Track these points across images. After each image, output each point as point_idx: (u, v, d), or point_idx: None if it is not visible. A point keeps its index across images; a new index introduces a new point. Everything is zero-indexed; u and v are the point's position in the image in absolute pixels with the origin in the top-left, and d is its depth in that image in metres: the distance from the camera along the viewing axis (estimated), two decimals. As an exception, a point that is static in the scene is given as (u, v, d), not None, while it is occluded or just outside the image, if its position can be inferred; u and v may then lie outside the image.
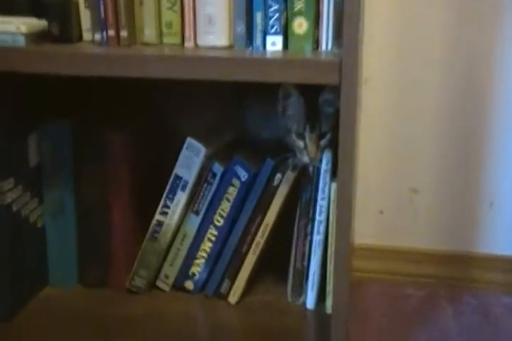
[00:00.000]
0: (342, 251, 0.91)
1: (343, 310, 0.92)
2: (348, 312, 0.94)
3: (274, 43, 0.90)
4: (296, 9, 0.88)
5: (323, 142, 0.98)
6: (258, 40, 0.90)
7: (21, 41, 0.89)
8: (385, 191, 1.25)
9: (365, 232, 1.25)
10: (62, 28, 0.94)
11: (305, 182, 1.03)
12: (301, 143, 0.99)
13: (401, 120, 1.22)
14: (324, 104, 0.97)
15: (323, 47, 0.90)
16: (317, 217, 1.02)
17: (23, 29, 0.89)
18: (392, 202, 1.25)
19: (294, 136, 0.99)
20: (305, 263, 1.05)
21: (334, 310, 0.92)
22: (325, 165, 0.99)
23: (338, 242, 0.91)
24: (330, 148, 0.98)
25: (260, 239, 1.05)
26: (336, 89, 0.84)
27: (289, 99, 0.98)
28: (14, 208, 1.02)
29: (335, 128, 0.95)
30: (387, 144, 1.23)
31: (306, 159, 0.99)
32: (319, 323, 1.04)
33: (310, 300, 1.07)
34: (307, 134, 0.98)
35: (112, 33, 0.92)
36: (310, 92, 0.95)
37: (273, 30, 0.89)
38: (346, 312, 0.92)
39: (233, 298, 1.08)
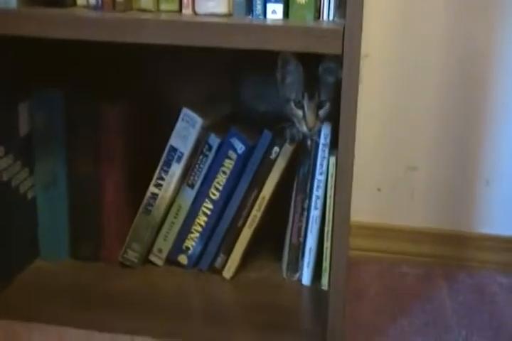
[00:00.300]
0: (341, 227, 0.89)
1: (341, 286, 0.91)
2: (346, 289, 0.93)
3: (275, 11, 0.87)
4: (298, -24, 0.85)
5: (321, 111, 0.96)
6: (258, 8, 0.87)
7: (12, 2, 0.87)
8: (383, 168, 1.23)
9: (362, 210, 1.23)
10: (56, -9, 0.92)
11: (303, 156, 1.01)
12: (299, 112, 0.96)
13: (399, 97, 1.20)
14: (325, 72, 0.94)
15: (325, 16, 0.87)
16: (314, 192, 1.00)
17: (15, -10, 0.86)
18: (389, 179, 1.24)
19: (292, 105, 0.96)
20: (301, 238, 1.03)
21: (332, 286, 0.91)
22: (323, 139, 0.97)
23: (336, 218, 0.89)
24: (329, 121, 0.96)
25: (256, 212, 1.03)
26: (337, 59, 0.81)
27: (287, 66, 0.96)
28: (4, 177, 1.00)
29: (334, 99, 0.92)
30: (386, 121, 1.21)
31: (304, 129, 0.96)
32: (315, 300, 1.03)
33: (306, 277, 1.05)
34: (306, 103, 0.95)
35: (107, -3, 0.89)
36: (309, 60, 0.93)
37: (274, -3, 0.86)
38: (345, 289, 0.91)
39: (228, 273, 1.07)
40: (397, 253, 1.24)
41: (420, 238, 1.23)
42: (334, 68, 0.92)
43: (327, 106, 0.96)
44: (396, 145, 1.22)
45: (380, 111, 1.21)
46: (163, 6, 0.91)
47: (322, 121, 0.96)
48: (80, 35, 0.86)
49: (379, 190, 1.24)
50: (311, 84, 0.95)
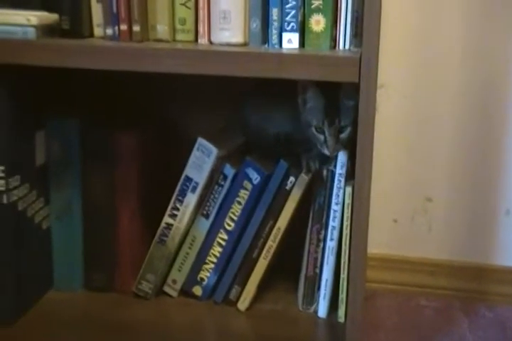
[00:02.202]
0: (358, 258, 0.88)
1: (358, 320, 0.89)
2: (363, 322, 0.91)
3: (291, 41, 0.87)
4: (313, 6, 0.86)
5: (343, 135, 0.95)
6: (274, 38, 0.87)
7: (31, 33, 0.87)
8: (400, 200, 1.22)
9: (378, 241, 1.22)
10: (73, 23, 0.93)
11: (319, 186, 1.00)
12: (321, 137, 0.95)
13: (416, 128, 1.19)
14: (345, 97, 0.94)
15: (341, 45, 0.87)
16: (330, 223, 0.98)
17: (34, 21, 0.87)
18: (406, 211, 1.22)
19: (313, 130, 0.95)
20: (317, 270, 1.02)
21: (349, 319, 0.89)
22: (339, 169, 0.96)
23: (353, 250, 0.88)
24: (345, 149, 0.95)
25: (272, 243, 1.02)
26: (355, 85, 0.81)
27: (307, 92, 0.95)
28: (20, 207, 0.99)
29: (355, 122, 0.92)
30: (402, 152, 1.20)
31: (326, 152, 0.95)
32: (331, 332, 1.01)
33: (322, 309, 1.03)
34: (326, 128, 0.94)
35: (124, 27, 0.90)
36: (329, 85, 0.93)
37: (289, 27, 0.87)
38: (362, 322, 0.89)
39: (243, 304, 1.05)
40: (414, 285, 1.22)
41: (438, 270, 1.21)
42: (354, 93, 0.92)
43: (348, 130, 0.95)
44: (413, 176, 1.21)
45: (397, 142, 1.20)
46: (179, 36, 0.92)
47: (343, 145, 0.95)
48: (97, 65, 0.87)
49: (395, 221, 1.22)
50: (332, 110, 0.94)
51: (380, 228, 1.21)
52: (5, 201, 0.96)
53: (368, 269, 1.21)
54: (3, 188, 0.95)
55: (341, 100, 0.94)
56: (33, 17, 0.87)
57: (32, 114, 1.00)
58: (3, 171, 0.95)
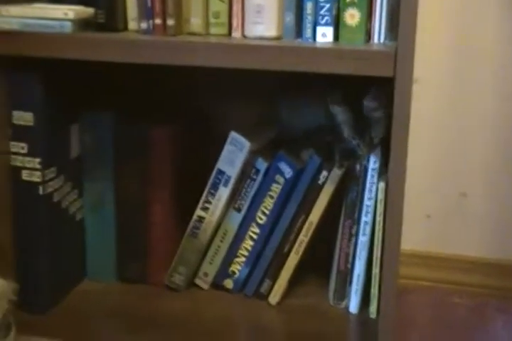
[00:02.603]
0: (391, 254, 0.87)
1: (390, 316, 0.88)
2: (395, 318, 0.90)
3: (325, 35, 0.86)
4: (348, 0, 0.85)
5: (376, 140, 0.95)
6: (308, 31, 0.87)
7: (68, 27, 0.88)
8: (433, 195, 1.20)
9: (411, 237, 1.20)
10: (109, 17, 0.93)
11: (351, 181, 0.99)
12: (354, 142, 0.95)
13: (451, 121, 1.17)
14: (369, 111, 0.93)
15: (376, 39, 0.86)
16: (363, 218, 0.98)
17: (71, 15, 0.88)
18: (440, 206, 1.21)
19: (347, 138, 0.96)
20: (349, 265, 1.01)
21: (381, 315, 0.89)
22: (373, 164, 0.95)
23: (386, 245, 0.87)
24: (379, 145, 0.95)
25: (304, 237, 1.02)
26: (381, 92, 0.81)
27: (334, 108, 0.95)
28: (55, 198, 1.01)
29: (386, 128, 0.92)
30: (437, 146, 1.19)
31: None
32: (363, 328, 1.00)
33: (353, 304, 1.03)
34: (358, 141, 0.95)
35: (158, 21, 0.90)
36: (355, 101, 0.93)
37: (324, 21, 0.86)
38: (394, 318, 0.88)
39: (274, 298, 1.05)
40: (447, 282, 1.20)
41: (473, 268, 1.19)
42: (377, 106, 0.92)
43: (376, 140, 0.95)
44: (447, 170, 1.19)
45: (431, 137, 1.19)
46: (213, 30, 0.92)
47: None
48: (132, 59, 0.87)
49: (428, 216, 1.21)
50: (360, 124, 0.95)
51: (412, 224, 1.19)
52: (41, 192, 0.97)
53: (401, 265, 1.20)
54: (39, 180, 0.97)
55: (367, 114, 0.93)
56: (70, 11, 0.88)
57: (67, 107, 1.01)
58: (39, 163, 0.96)
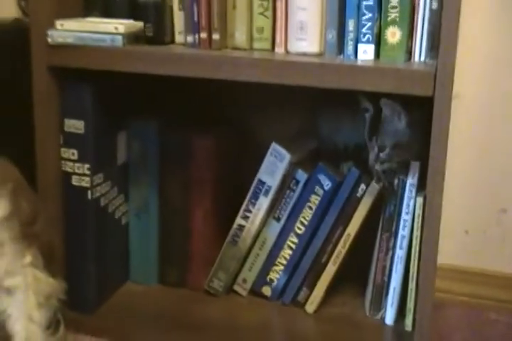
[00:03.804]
0: (427, 268, 0.89)
1: (426, 329, 0.90)
2: (430, 332, 0.91)
3: (366, 52, 0.88)
4: (390, 18, 0.86)
5: (382, 154, 0.96)
6: (349, 48, 0.88)
7: (119, 41, 0.92)
8: (472, 210, 1.19)
9: (449, 252, 1.20)
10: (157, 30, 0.97)
11: (389, 195, 1.00)
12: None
13: (492, 137, 1.16)
14: (386, 120, 0.95)
15: (416, 57, 0.87)
16: (400, 232, 0.99)
17: (121, 29, 0.92)
18: (478, 222, 1.20)
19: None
20: (385, 278, 1.02)
21: (417, 328, 0.90)
22: (411, 179, 0.96)
23: (423, 259, 0.89)
24: (418, 160, 0.95)
25: (341, 249, 1.03)
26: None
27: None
28: (102, 203, 1.05)
29: (396, 146, 0.93)
30: (477, 161, 1.18)
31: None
32: (398, 340, 1.01)
33: (389, 316, 1.04)
34: (368, 143, 0.97)
35: (204, 35, 0.93)
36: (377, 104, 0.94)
37: (365, 38, 0.87)
38: (429, 333, 0.90)
39: (311, 307, 1.07)
40: (485, 298, 1.19)
41: (510, 284, 1.18)
42: (392, 118, 0.93)
43: (387, 150, 0.95)
44: (487, 187, 1.18)
45: (471, 153, 1.17)
46: (257, 45, 0.94)
47: (382, 163, 0.96)
48: (178, 72, 0.91)
49: (466, 232, 1.20)
50: (374, 129, 0.96)
51: (450, 238, 1.19)
52: (89, 197, 1.02)
53: (438, 279, 1.19)
54: (88, 185, 1.01)
55: (383, 122, 0.94)
56: (121, 25, 0.91)
57: (115, 115, 1.05)
58: (88, 169, 1.00)
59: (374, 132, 0.95)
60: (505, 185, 1.17)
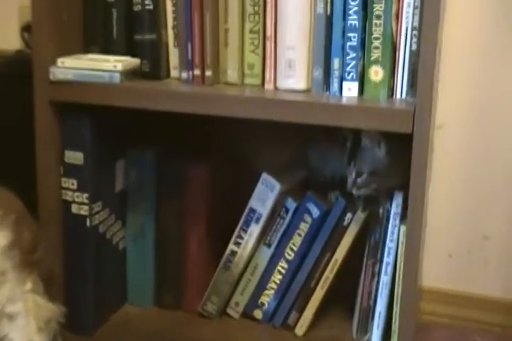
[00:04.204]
0: (408, 293, 0.93)
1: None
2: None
3: (350, 89, 0.93)
4: (373, 58, 0.91)
5: (359, 180, 1.00)
6: (335, 85, 0.93)
7: (117, 78, 0.97)
8: (455, 235, 1.23)
9: (433, 275, 1.24)
10: (153, 66, 1.02)
11: (375, 223, 1.05)
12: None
13: (474, 165, 1.20)
14: (365, 149, 1.00)
15: (398, 94, 0.92)
16: (385, 258, 1.03)
17: (119, 67, 0.97)
18: (462, 246, 1.23)
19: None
20: (371, 302, 1.06)
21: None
22: (395, 208, 1.00)
23: (404, 285, 0.93)
24: (400, 190, 1.00)
25: (329, 274, 1.08)
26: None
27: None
28: (101, 229, 1.09)
29: (372, 173, 0.99)
30: (460, 188, 1.21)
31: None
32: (384, 362, 1.05)
33: (375, 339, 1.07)
34: (348, 168, 1.01)
35: (197, 72, 0.98)
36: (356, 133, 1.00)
37: (349, 76, 0.92)
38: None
39: (300, 330, 1.11)
40: (469, 320, 1.23)
41: (494, 307, 1.22)
42: (372, 146, 0.98)
43: (364, 176, 1.00)
44: (470, 214, 1.22)
45: (454, 181, 1.21)
46: (247, 80, 0.99)
47: (359, 188, 1.01)
48: (172, 108, 0.96)
49: (450, 256, 1.24)
50: (353, 155, 1.01)
51: (435, 262, 1.23)
52: (88, 224, 1.06)
53: (423, 301, 1.23)
54: (86, 213, 1.06)
55: (363, 150, 0.99)
56: (119, 63, 0.96)
57: (113, 146, 1.09)
58: (87, 198, 1.05)
59: (353, 158, 1.00)
60: (488, 212, 1.21)
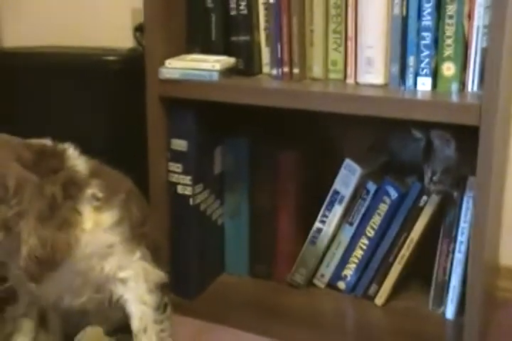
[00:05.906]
0: (476, 270, 1.01)
1: (475, 322, 1.02)
2: (483, 324, 1.03)
3: (424, 84, 1.01)
4: (445, 55, 0.99)
5: (434, 178, 1.10)
6: (410, 80, 1.02)
7: (215, 76, 1.10)
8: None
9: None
10: (247, 64, 1.15)
11: (449, 205, 1.13)
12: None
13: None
14: (437, 149, 1.09)
15: (469, 88, 1.00)
16: (459, 238, 1.11)
17: (217, 67, 1.10)
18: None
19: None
20: (446, 277, 1.15)
21: (467, 321, 1.03)
22: (469, 192, 1.08)
23: (472, 262, 1.02)
24: (473, 175, 1.07)
25: (405, 251, 1.18)
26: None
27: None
28: (201, 207, 1.24)
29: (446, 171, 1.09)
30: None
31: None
32: (457, 334, 1.11)
33: (449, 311, 1.16)
34: (424, 167, 1.11)
35: (286, 69, 1.10)
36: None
37: (423, 72, 1.01)
38: (478, 325, 1.02)
39: (379, 300, 1.22)
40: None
41: None
42: (442, 146, 1.07)
43: (438, 175, 1.09)
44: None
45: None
46: (331, 75, 1.10)
47: (435, 184, 1.10)
48: (263, 102, 1.08)
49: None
50: (427, 156, 1.11)
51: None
52: (191, 203, 1.21)
53: (504, 280, 1.28)
54: (190, 193, 1.20)
55: (435, 150, 1.08)
56: (217, 63, 1.09)
57: (213, 134, 1.23)
58: (190, 180, 1.19)
59: (427, 159, 1.09)
60: None
